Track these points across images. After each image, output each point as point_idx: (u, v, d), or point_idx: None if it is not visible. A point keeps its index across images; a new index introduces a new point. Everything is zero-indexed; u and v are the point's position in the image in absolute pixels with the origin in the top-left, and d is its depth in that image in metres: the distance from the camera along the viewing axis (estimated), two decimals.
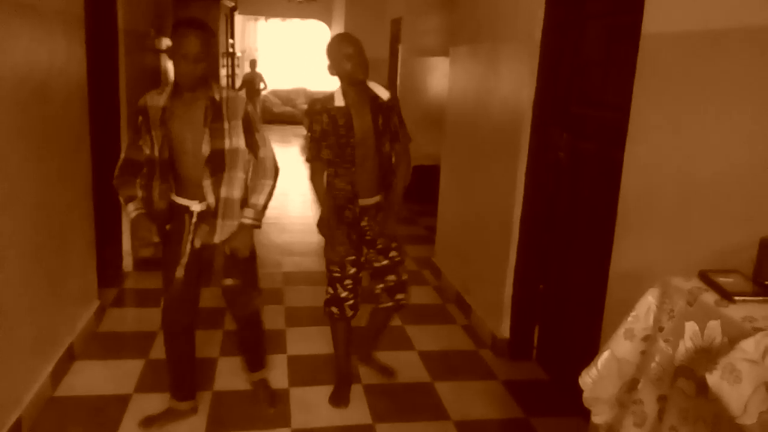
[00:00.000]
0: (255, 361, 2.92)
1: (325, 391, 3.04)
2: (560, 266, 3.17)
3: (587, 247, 2.89)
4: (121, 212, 4.32)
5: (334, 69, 2.68)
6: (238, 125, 2.47)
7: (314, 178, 2.77)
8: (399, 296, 2.91)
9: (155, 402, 2.83)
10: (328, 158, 2.72)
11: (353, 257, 2.82)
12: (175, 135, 2.41)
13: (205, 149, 2.41)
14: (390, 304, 2.93)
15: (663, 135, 2.15)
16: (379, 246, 2.86)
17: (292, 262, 4.93)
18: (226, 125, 2.44)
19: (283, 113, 14.38)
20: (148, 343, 3.41)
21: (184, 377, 2.74)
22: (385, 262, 2.86)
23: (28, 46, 2.63)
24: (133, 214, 2.46)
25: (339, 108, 2.69)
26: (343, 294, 2.84)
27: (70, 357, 3.15)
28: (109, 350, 3.36)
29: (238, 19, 11.69)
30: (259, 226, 2.55)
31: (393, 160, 2.85)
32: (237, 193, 2.53)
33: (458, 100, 4.31)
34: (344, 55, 2.62)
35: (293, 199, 7.32)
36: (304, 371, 3.24)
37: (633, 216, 2.31)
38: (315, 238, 5.68)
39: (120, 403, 2.86)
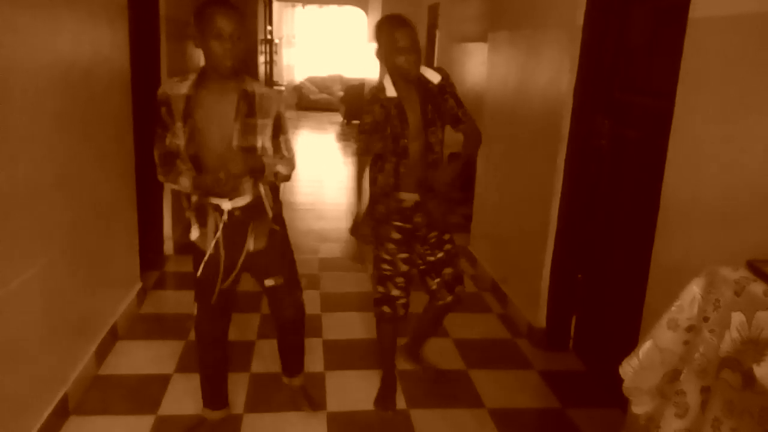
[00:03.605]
0: (295, 366, 2.80)
1: (360, 375, 3.07)
2: (600, 256, 3.12)
3: (628, 237, 2.84)
4: (163, 197, 4.40)
5: (383, 58, 2.48)
6: (268, 125, 2.28)
7: (360, 174, 2.61)
8: (458, 288, 2.76)
9: (194, 382, 2.88)
10: (379, 152, 2.56)
11: (405, 255, 2.68)
12: (200, 128, 2.20)
13: (236, 145, 2.22)
14: (450, 298, 2.76)
15: (709, 123, 2.09)
16: (432, 240, 2.71)
17: (328, 249, 4.96)
18: (258, 122, 2.25)
19: (320, 100, 14.44)
20: (188, 325, 3.48)
21: (216, 385, 2.64)
22: (440, 254, 2.72)
23: (74, 35, 2.69)
24: (187, 181, 2.22)
25: (390, 99, 2.52)
26: (395, 292, 2.71)
27: (113, 337, 3.24)
28: (151, 331, 3.44)
29: (276, 5, 11.75)
30: (262, 172, 2.27)
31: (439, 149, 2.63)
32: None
33: (497, 87, 4.26)
34: (397, 48, 2.41)
35: (329, 185, 7.36)
36: (339, 356, 3.27)
37: (677, 205, 2.26)
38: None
39: (161, 382, 2.94)
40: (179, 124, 2.20)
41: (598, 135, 3.06)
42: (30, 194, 2.29)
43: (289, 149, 2.38)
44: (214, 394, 2.63)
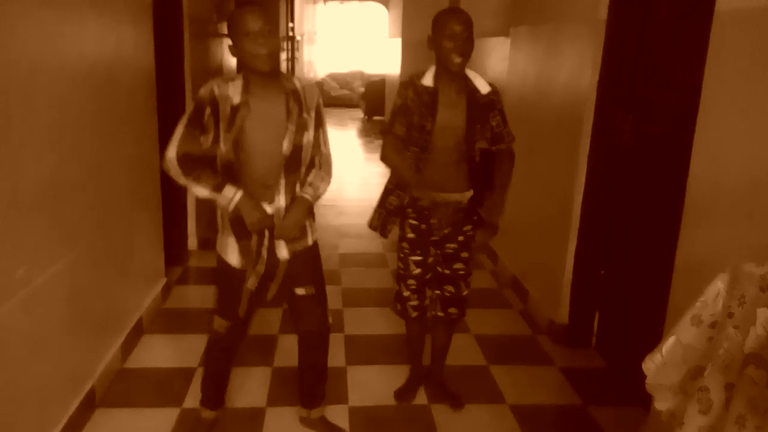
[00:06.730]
0: (315, 393, 2.59)
1: (381, 370, 3.09)
2: (623, 252, 3.09)
3: (651, 233, 2.81)
4: (187, 193, 4.45)
5: (433, 45, 2.39)
6: (312, 117, 2.25)
7: (385, 151, 2.51)
8: (452, 310, 2.69)
9: None
10: (401, 135, 2.47)
11: (418, 257, 2.61)
12: (249, 133, 2.13)
13: (287, 147, 2.17)
14: (440, 314, 2.71)
15: (735, 118, 2.06)
16: (448, 251, 2.62)
17: (348, 244, 4.99)
18: (305, 118, 2.21)
19: (341, 96, 14.46)
20: (211, 320, 3.52)
21: (216, 389, 2.59)
22: (447, 272, 2.64)
23: (98, 33, 2.73)
24: (238, 196, 2.13)
25: (425, 87, 2.43)
26: (406, 293, 2.67)
27: (138, 331, 3.29)
28: (175, 326, 3.49)
29: (298, 2, 11.79)
30: (311, 209, 2.31)
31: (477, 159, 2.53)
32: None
33: (518, 82, 4.24)
34: (446, 34, 2.32)
35: (350, 182, 7.38)
36: (360, 351, 3.29)
37: (702, 201, 2.23)
38: None
39: (185, 375, 2.98)
40: (223, 127, 2.14)
41: (621, 130, 3.03)
42: (56, 192, 2.34)
43: (326, 142, 2.34)
44: (217, 396, 2.60)
